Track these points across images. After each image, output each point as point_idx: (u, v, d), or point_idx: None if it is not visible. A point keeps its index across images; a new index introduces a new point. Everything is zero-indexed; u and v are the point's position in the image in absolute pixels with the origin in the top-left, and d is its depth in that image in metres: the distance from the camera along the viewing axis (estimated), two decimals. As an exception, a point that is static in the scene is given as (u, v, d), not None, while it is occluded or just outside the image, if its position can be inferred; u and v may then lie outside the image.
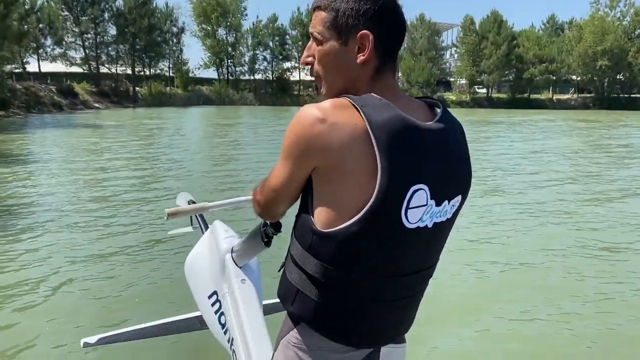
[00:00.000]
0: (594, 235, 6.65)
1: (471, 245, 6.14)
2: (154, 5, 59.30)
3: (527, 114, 43.66)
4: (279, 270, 1.35)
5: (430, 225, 1.18)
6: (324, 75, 1.25)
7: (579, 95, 67.44)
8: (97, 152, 14.69)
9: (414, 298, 1.31)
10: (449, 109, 1.25)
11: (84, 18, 53.53)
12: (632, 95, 64.61)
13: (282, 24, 67.74)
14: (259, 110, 46.27)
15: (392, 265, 1.18)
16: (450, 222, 1.26)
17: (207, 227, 2.46)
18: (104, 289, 4.64)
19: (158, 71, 61.79)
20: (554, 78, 66.40)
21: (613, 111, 53.91)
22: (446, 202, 1.20)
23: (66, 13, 53.16)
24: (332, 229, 1.13)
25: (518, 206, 8.34)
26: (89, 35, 55.01)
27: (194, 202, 2.52)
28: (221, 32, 65.83)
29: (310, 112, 1.10)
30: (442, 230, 1.24)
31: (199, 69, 66.07)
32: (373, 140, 1.06)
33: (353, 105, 1.10)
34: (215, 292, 2.13)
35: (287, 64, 68.27)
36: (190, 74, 62.84)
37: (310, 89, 68.60)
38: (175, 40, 63.58)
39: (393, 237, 1.14)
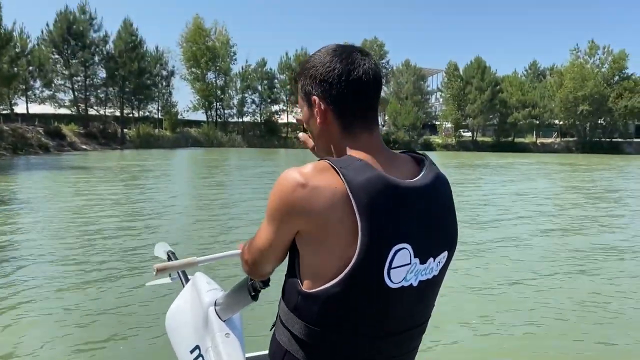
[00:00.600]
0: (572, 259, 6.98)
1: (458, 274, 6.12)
2: (145, 49, 60.11)
3: (513, 157, 44.25)
4: (270, 330, 1.34)
5: (415, 284, 1.17)
6: (312, 137, 1.34)
7: (562, 139, 68.79)
8: (81, 195, 14.54)
9: (407, 356, 1.29)
10: (433, 161, 1.28)
11: (74, 61, 53.94)
12: (613, 140, 66.01)
13: (270, 68, 68.93)
14: (247, 153, 46.45)
15: (377, 325, 1.17)
16: (437, 278, 1.25)
17: (187, 279, 2.41)
18: (81, 343, 4.47)
19: (147, 113, 61.99)
20: (537, 122, 67.87)
21: (595, 155, 54.87)
22: (431, 259, 1.20)
23: (56, 56, 53.62)
24: (315, 290, 1.14)
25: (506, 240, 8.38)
26: (79, 78, 55.41)
27: (172, 253, 2.49)
28: (210, 75, 66.76)
29: (291, 176, 1.12)
30: (429, 287, 1.23)
31: (187, 111, 66.60)
32: (353, 202, 1.07)
33: (332, 167, 1.12)
34: (197, 347, 2.07)
35: (275, 107, 69.07)
36: (179, 116, 63.22)
37: (298, 131, 68.96)
38: (164, 83, 64.17)
39: (376, 298, 1.13)
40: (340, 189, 1.09)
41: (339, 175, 1.10)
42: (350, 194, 1.07)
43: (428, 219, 1.18)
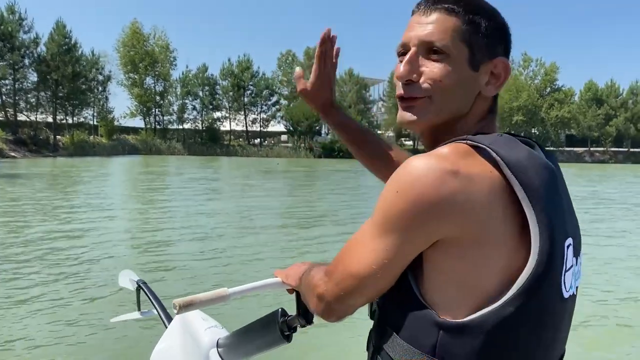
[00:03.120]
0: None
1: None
2: (80, 52, 57.87)
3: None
4: None
5: (575, 292, 0.91)
6: (436, 99, 0.94)
7: (498, 147, 71.42)
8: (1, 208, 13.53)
9: None
10: None
11: (1, 63, 51.17)
12: (546, 148, 68.36)
13: (212, 74, 68.12)
14: (187, 160, 45.33)
15: (543, 353, 0.87)
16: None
17: (166, 314, 1.93)
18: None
19: (81, 119, 59.77)
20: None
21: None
22: (580, 258, 0.94)
23: (-18, 58, 50.78)
24: (474, 316, 0.81)
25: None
26: (7, 82, 52.62)
27: (144, 283, 2.04)
28: (149, 81, 65.05)
29: (432, 163, 0.81)
30: (575, 298, 0.94)
31: (124, 117, 64.57)
32: (519, 188, 0.80)
33: (478, 147, 0.85)
34: None
35: (217, 114, 68.13)
36: (116, 123, 61.18)
37: (241, 139, 68.38)
38: (100, 89, 62.01)
39: (552, 313, 0.85)
40: (495, 173, 0.82)
41: (493, 155, 0.82)
42: (513, 177, 0.80)
43: (569, 208, 0.92)
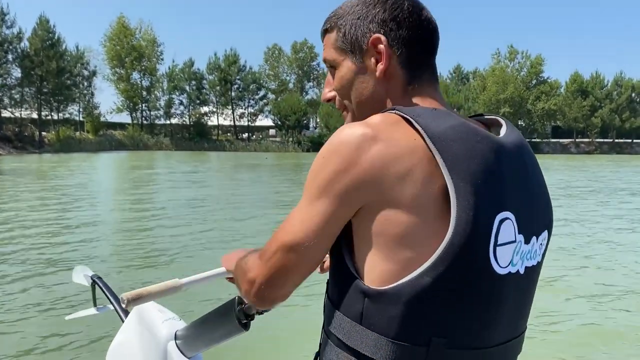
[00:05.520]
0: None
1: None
2: (64, 47, 57.22)
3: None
4: None
5: (522, 271, 0.88)
6: (350, 105, 1.02)
7: (486, 139, 71.97)
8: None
9: None
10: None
11: (-16, 59, 50.53)
12: (533, 140, 69.54)
13: (198, 69, 67.77)
14: (175, 155, 45.05)
15: (478, 331, 0.86)
16: (539, 267, 0.95)
17: (122, 308, 1.90)
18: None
19: (67, 115, 59.17)
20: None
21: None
22: (534, 238, 0.91)
23: (-36, 54, 50.05)
24: (393, 285, 0.82)
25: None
26: (-10, 78, 51.93)
27: (99, 278, 2.00)
28: (135, 76, 64.52)
29: (356, 129, 0.84)
30: (533, 277, 0.93)
31: (111, 113, 64.09)
32: (438, 157, 0.81)
33: (402, 117, 0.86)
34: None
35: (204, 108, 67.78)
36: (102, 119, 60.73)
37: (229, 134, 68.15)
38: (86, 84, 61.42)
39: (480, 288, 0.83)
40: (420, 142, 0.82)
41: (415, 124, 0.84)
42: (433, 146, 0.81)
43: (525, 184, 0.90)
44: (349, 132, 0.84)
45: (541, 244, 0.94)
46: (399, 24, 0.96)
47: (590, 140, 71.07)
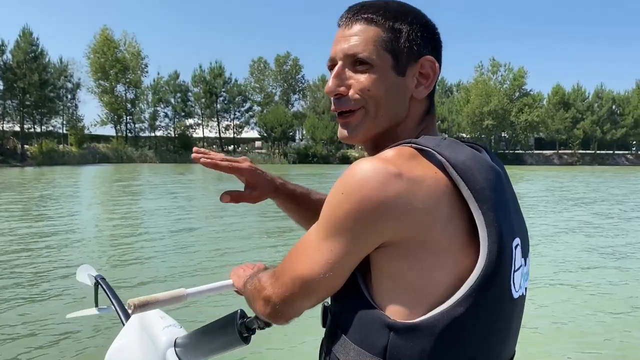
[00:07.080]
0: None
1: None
2: (47, 60, 56.76)
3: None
4: None
5: (525, 293, 0.91)
6: (370, 109, 0.95)
7: (470, 151, 72.71)
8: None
9: None
10: None
11: (-35, 71, 49.94)
12: (516, 151, 70.31)
13: (184, 81, 67.47)
14: (160, 168, 44.77)
15: (497, 355, 0.88)
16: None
17: (124, 311, 1.89)
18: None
19: (50, 128, 58.52)
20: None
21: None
22: (527, 259, 0.94)
23: (-55, 66, 49.43)
24: (425, 317, 0.80)
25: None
26: (-29, 90, 51.30)
27: (102, 278, 1.99)
28: (120, 88, 64.16)
29: (378, 166, 0.81)
30: (525, 298, 0.95)
31: (95, 125, 63.50)
32: (465, 189, 0.81)
33: (422, 150, 0.86)
34: None
35: (189, 121, 67.47)
36: (86, 131, 60.15)
37: (214, 146, 67.93)
38: (69, 96, 60.90)
39: (502, 314, 0.85)
40: (440, 175, 0.82)
41: (438, 157, 0.83)
42: (459, 177, 0.81)
43: (515, 208, 0.92)
44: (371, 168, 0.81)
45: (529, 263, 0.96)
46: (439, 53, 0.98)
47: (573, 151, 72.00)
